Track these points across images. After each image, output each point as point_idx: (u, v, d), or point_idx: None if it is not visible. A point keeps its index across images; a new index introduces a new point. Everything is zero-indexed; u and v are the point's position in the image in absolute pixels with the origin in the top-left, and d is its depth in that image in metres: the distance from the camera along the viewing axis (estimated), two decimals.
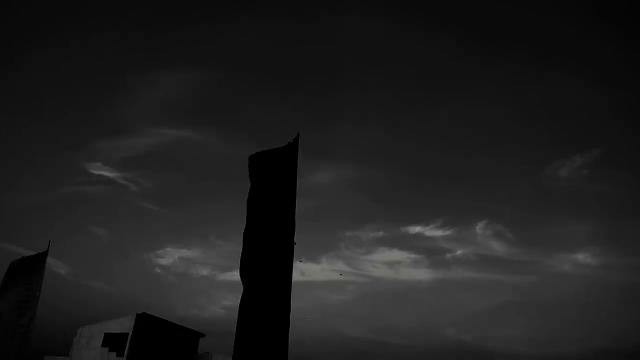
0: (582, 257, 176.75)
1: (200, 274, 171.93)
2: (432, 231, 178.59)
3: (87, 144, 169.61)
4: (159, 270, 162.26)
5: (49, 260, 16.99)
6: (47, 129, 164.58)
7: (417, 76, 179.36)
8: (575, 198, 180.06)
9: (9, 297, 16.01)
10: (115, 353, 51.16)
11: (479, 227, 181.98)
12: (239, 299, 7.96)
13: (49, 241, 17.25)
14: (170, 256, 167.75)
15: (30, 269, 16.51)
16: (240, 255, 8.09)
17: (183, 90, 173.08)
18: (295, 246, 8.20)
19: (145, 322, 53.58)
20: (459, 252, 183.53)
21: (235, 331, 7.62)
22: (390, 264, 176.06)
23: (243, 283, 7.81)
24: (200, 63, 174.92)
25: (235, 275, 8.00)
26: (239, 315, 7.65)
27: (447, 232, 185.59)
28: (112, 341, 52.29)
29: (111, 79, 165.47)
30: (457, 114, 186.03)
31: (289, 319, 7.72)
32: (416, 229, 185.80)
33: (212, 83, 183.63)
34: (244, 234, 8.21)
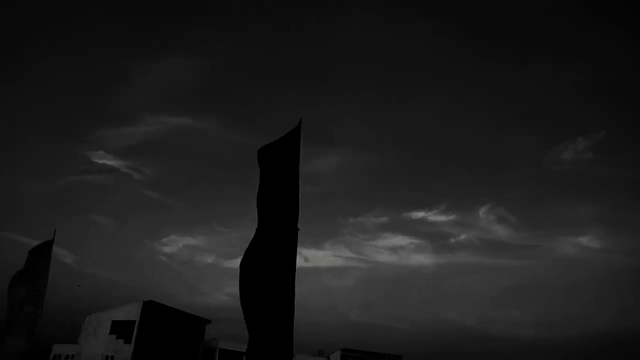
0: (585, 240, 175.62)
1: (204, 261, 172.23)
2: (435, 216, 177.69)
3: (89, 133, 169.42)
4: (164, 259, 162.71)
5: (55, 249, 17.10)
6: (48, 117, 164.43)
7: (417, 61, 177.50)
8: (579, 181, 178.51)
9: (21, 286, 16.21)
10: (122, 340, 51.90)
11: (482, 212, 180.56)
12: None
13: (54, 230, 17.35)
14: (174, 244, 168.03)
15: (37, 258, 16.65)
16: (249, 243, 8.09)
17: (182, 77, 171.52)
18: (299, 232, 8.22)
19: (152, 310, 54.20)
20: (462, 236, 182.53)
21: (243, 317, 7.66)
22: (393, 250, 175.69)
23: (244, 273, 7.82)
24: (200, 50, 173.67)
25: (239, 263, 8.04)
26: (243, 301, 7.67)
27: (451, 217, 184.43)
28: (120, 329, 52.98)
29: (111, 67, 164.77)
30: (458, 98, 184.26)
31: (293, 304, 7.77)
32: (419, 215, 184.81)
33: (211, 70, 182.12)
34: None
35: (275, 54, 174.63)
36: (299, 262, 8.32)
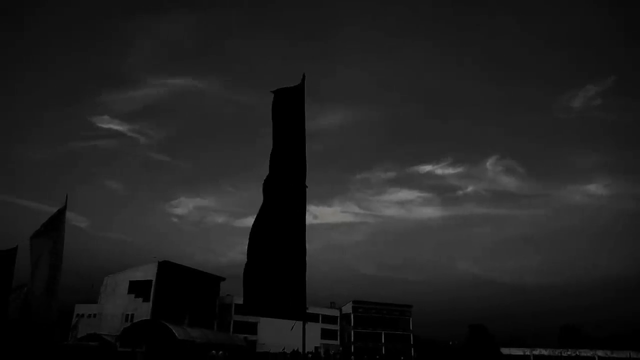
0: (593, 188, 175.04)
1: (215, 221, 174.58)
2: (442, 169, 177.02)
3: (92, 97, 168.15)
4: (175, 220, 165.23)
5: (69, 214, 17.38)
6: (51, 82, 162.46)
7: (419, 9, 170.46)
8: (588, 129, 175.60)
9: (40, 252, 16.60)
10: (141, 299, 53.90)
11: (490, 163, 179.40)
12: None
13: (67, 195, 17.56)
14: (185, 206, 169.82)
15: (52, 224, 16.98)
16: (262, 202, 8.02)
17: (183, 36, 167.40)
18: (307, 189, 8.23)
19: (168, 269, 55.94)
20: (470, 188, 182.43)
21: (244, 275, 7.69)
22: (401, 204, 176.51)
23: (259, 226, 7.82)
24: (199, 7, 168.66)
25: (250, 221, 8.06)
26: (251, 257, 7.72)
27: (458, 170, 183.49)
28: (137, 288, 54.91)
29: (108, 27, 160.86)
30: (464, 45, 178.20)
31: (305, 260, 7.89)
32: (426, 168, 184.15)
33: (211, 28, 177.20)
34: (265, 181, 8.13)
35: (278, 11, 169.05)
36: (308, 219, 8.38)
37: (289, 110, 8.33)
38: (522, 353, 70.25)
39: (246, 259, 7.72)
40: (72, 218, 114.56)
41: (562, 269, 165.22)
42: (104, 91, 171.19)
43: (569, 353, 67.46)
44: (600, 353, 67.34)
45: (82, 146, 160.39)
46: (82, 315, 55.63)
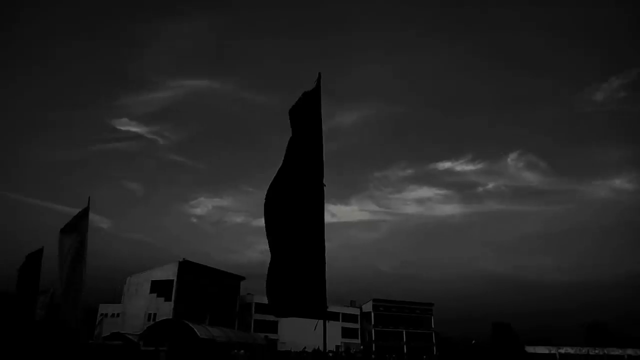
0: (619, 182, 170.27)
1: (234, 221, 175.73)
2: (462, 166, 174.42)
3: (110, 100, 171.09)
4: (195, 220, 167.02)
5: (91, 216, 17.66)
6: (69, 85, 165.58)
7: (436, 6, 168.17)
8: (611, 122, 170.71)
9: (65, 252, 16.91)
10: (163, 298, 54.73)
11: (511, 159, 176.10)
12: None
13: (89, 197, 17.84)
14: (204, 206, 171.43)
15: (76, 225, 17.28)
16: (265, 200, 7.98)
17: (195, 38, 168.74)
18: (325, 188, 8.15)
19: (188, 269, 56.69)
20: (491, 185, 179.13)
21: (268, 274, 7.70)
22: (420, 201, 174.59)
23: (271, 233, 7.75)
24: (211, 8, 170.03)
25: None
26: (272, 259, 7.71)
27: (478, 166, 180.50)
28: (159, 288, 55.78)
29: (123, 30, 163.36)
30: (481, 39, 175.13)
31: (324, 259, 7.82)
32: (445, 165, 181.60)
33: (225, 29, 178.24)
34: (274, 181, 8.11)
35: (293, 10, 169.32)
36: (327, 218, 8.28)
37: (306, 111, 8.27)
38: (547, 351, 68.84)
39: (270, 258, 7.68)
40: (94, 219, 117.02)
41: (585, 265, 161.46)
42: (121, 93, 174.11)
43: (596, 352, 65.77)
44: (630, 351, 65.48)
45: (101, 148, 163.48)
46: (106, 315, 56.79)
